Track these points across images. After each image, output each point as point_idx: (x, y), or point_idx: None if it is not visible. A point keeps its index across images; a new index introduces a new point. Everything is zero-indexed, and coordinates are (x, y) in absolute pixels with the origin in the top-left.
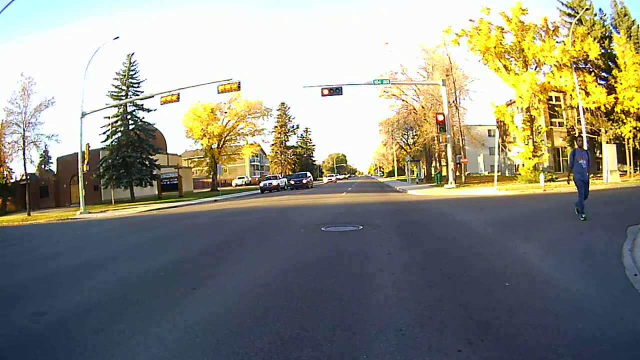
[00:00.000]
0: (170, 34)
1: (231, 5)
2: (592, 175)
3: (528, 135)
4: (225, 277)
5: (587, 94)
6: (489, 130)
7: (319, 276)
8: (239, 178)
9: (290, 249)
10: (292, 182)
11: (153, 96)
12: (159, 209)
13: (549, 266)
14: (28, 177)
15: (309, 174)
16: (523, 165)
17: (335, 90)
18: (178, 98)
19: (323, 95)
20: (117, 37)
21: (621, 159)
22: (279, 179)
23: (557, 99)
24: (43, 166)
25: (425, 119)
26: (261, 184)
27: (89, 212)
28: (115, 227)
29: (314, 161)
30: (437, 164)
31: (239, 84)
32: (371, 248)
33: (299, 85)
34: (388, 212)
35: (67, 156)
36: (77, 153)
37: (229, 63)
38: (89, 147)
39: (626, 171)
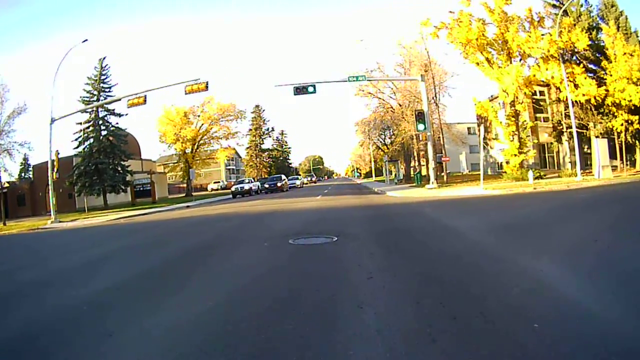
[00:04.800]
0: (142, 39)
1: (202, 8)
2: (582, 171)
3: (513, 131)
4: (151, 319)
5: (576, 86)
6: (469, 128)
7: (276, 319)
8: (214, 182)
9: (245, 274)
10: (267, 186)
11: (120, 99)
12: (129, 216)
13: (578, 293)
14: (2, 186)
15: (283, 177)
16: (508, 162)
17: (308, 89)
18: (145, 100)
19: (296, 93)
20: (86, 40)
21: (611, 154)
22: (251, 182)
23: (542, 93)
24: (23, 174)
25: (403, 117)
26: (232, 189)
27: (60, 221)
28: (75, 239)
29: (290, 164)
30: (417, 164)
31: (207, 84)
32: (347, 269)
33: (272, 86)
34: (367, 217)
35: (42, 164)
36: (52, 160)
37: (202, 67)
38: (59, 154)
39: (616, 166)
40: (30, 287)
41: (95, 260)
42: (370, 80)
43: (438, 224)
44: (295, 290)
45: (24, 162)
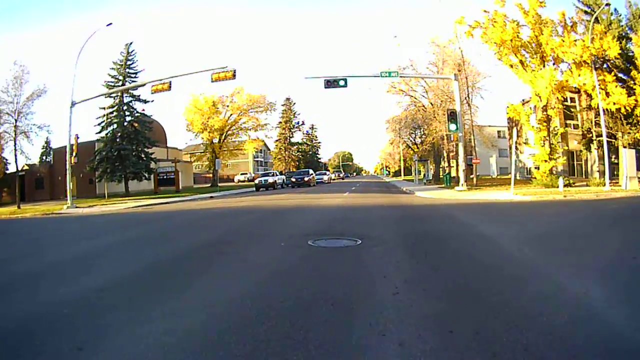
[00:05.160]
0: (171, 26)
1: None
2: (610, 181)
3: (544, 137)
4: (143, 327)
5: (607, 94)
6: (499, 132)
7: (276, 349)
8: (241, 174)
9: (254, 276)
10: (294, 180)
11: (145, 84)
12: (148, 205)
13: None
14: (18, 168)
15: (311, 171)
16: (538, 168)
17: (339, 82)
18: (170, 87)
19: (326, 87)
20: (110, 24)
21: (637, 165)
22: (276, 175)
23: (572, 99)
24: (45, 157)
25: (435, 117)
26: (256, 181)
27: (76, 207)
28: (85, 227)
29: (320, 159)
30: (447, 165)
31: (234, 72)
32: (369, 281)
33: (303, 78)
34: (394, 218)
35: (62, 147)
36: (71, 144)
37: (231, 57)
38: (78, 138)
39: None
40: (10, 282)
41: (95, 252)
42: (402, 77)
43: (471, 230)
44: (303, 306)
45: (45, 145)
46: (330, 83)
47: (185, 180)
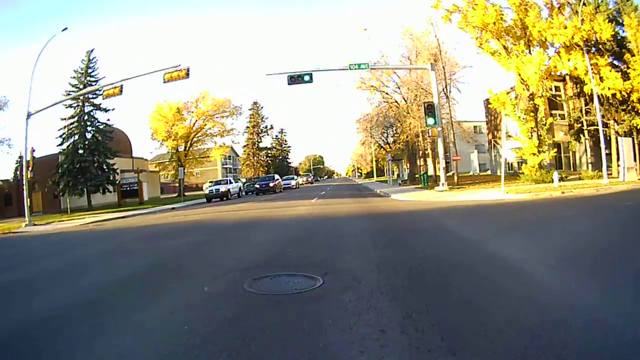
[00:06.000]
0: (131, 34)
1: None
2: (600, 172)
3: (532, 128)
4: None
5: (601, 79)
6: (475, 127)
7: None
8: (209, 182)
9: None
10: (258, 186)
11: (97, 89)
12: (102, 220)
13: None
14: None
15: (277, 176)
16: (523, 162)
17: (304, 78)
18: (121, 91)
19: (290, 83)
20: (66, 29)
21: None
22: (231, 183)
23: (557, 88)
24: (18, 172)
25: (409, 112)
26: (206, 191)
27: (34, 225)
28: (23, 251)
29: (290, 163)
30: (424, 163)
31: (188, 70)
32: None
33: (265, 75)
34: (369, 234)
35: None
36: (41, 157)
37: (197, 62)
38: (34, 151)
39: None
40: None
41: None
42: (373, 69)
43: (481, 253)
44: None
45: (19, 159)
46: (294, 79)
47: (152, 191)
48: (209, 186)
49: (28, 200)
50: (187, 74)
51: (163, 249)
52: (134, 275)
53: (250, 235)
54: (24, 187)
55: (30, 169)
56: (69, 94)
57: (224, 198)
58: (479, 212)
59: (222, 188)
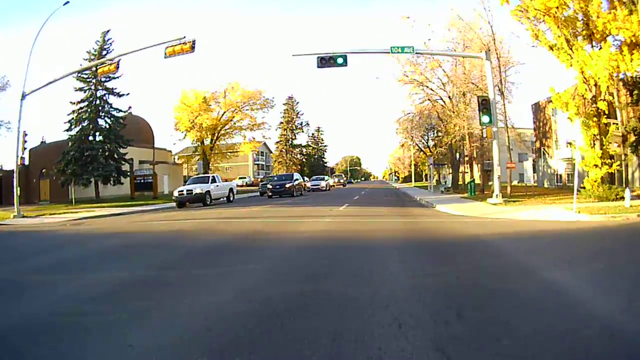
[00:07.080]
0: (150, 16)
1: None
2: None
3: (595, 135)
4: None
5: None
6: (519, 134)
7: None
8: (239, 178)
9: None
10: (271, 187)
11: (93, 67)
12: (96, 216)
13: None
14: None
15: (297, 176)
16: (587, 175)
17: (337, 60)
18: (117, 67)
19: (320, 66)
20: (68, 2)
21: None
22: (216, 181)
23: (611, 94)
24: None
25: (455, 112)
26: (175, 194)
27: (23, 216)
28: None
29: (326, 163)
30: (469, 170)
31: (193, 43)
32: None
33: (305, 71)
34: (428, 290)
35: (38, 147)
36: (52, 143)
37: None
38: (26, 135)
39: None
40: None
41: None
42: (419, 53)
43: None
44: None
45: (24, 143)
46: (326, 61)
47: (174, 184)
48: (181, 187)
49: (18, 189)
50: (193, 48)
51: (104, 284)
52: None
53: (233, 268)
54: (15, 175)
55: (21, 156)
56: (81, 78)
57: (197, 202)
58: (574, 246)
59: (197, 189)
